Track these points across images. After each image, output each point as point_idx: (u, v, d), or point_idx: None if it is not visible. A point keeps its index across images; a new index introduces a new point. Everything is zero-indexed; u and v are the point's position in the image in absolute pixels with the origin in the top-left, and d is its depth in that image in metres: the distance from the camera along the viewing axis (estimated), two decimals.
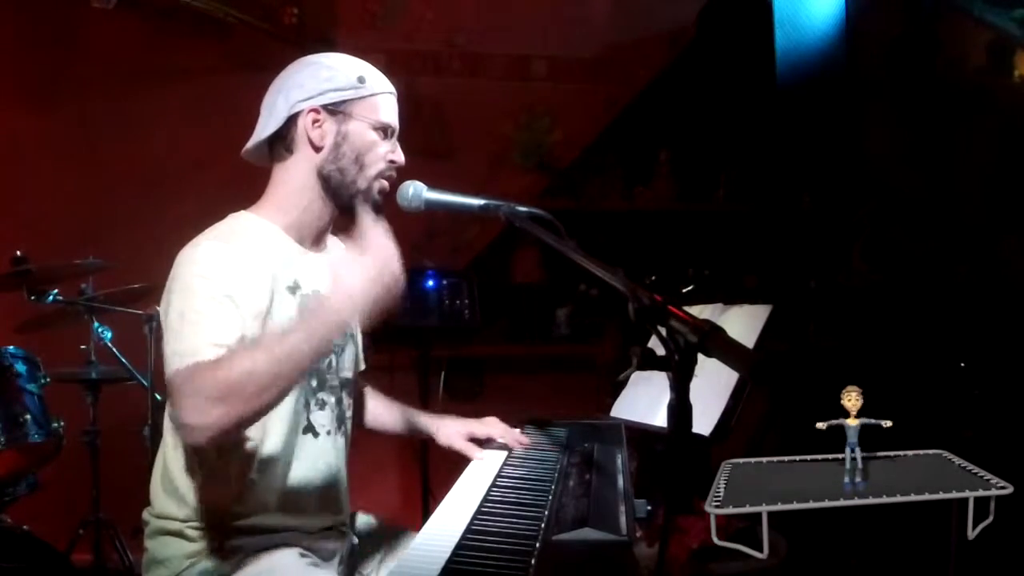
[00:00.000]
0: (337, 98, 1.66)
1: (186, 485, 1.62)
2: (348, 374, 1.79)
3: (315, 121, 1.66)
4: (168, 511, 1.64)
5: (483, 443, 2.01)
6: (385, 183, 1.71)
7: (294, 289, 1.66)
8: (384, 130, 1.70)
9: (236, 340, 1.46)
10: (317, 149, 1.67)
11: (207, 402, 1.33)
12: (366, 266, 1.43)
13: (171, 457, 1.65)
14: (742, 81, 3.76)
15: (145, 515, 1.69)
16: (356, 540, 1.75)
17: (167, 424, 1.66)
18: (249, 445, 1.60)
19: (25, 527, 2.69)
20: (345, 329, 1.56)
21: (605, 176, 4.37)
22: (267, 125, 1.68)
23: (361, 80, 1.68)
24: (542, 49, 4.30)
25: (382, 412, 2.08)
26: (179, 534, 1.62)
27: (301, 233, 1.71)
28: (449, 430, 2.03)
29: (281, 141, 1.69)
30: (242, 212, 1.70)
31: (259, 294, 1.58)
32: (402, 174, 1.72)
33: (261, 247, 1.64)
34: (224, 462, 1.60)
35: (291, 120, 1.66)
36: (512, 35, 4.25)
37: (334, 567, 1.69)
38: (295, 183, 1.69)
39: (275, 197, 1.71)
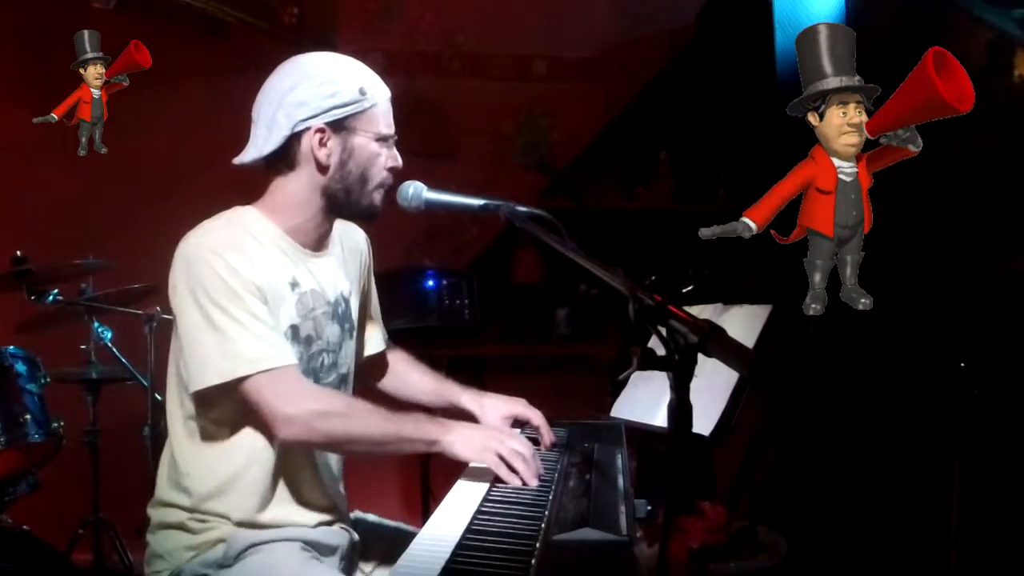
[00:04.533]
0: (341, 114, 1.64)
1: (191, 475, 1.64)
2: (346, 369, 1.80)
3: (321, 141, 1.64)
4: (173, 500, 1.65)
5: (521, 427, 1.95)
6: (383, 191, 1.71)
7: (293, 286, 1.67)
8: (385, 139, 1.70)
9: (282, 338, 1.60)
10: (323, 168, 1.66)
11: (312, 415, 1.56)
12: (476, 439, 1.61)
13: (178, 449, 1.66)
14: (742, 81, 3.75)
15: (149, 509, 1.71)
16: (356, 537, 1.76)
17: (175, 416, 1.68)
18: (250, 440, 1.62)
19: (25, 527, 2.69)
20: (426, 448, 1.64)
21: (605, 176, 4.36)
22: (268, 141, 1.65)
23: (363, 92, 1.65)
24: (542, 49, 4.29)
25: (417, 381, 2.02)
26: (181, 526, 1.64)
27: (302, 237, 1.71)
28: (494, 415, 1.94)
29: (281, 157, 1.67)
30: (247, 207, 1.71)
31: (266, 285, 1.61)
32: (402, 174, 1.72)
33: (264, 242, 1.66)
34: (228, 455, 1.62)
35: (293, 137, 1.64)
36: (512, 35, 4.25)
37: (335, 562, 1.69)
38: (297, 197, 1.69)
39: (275, 204, 1.70)
